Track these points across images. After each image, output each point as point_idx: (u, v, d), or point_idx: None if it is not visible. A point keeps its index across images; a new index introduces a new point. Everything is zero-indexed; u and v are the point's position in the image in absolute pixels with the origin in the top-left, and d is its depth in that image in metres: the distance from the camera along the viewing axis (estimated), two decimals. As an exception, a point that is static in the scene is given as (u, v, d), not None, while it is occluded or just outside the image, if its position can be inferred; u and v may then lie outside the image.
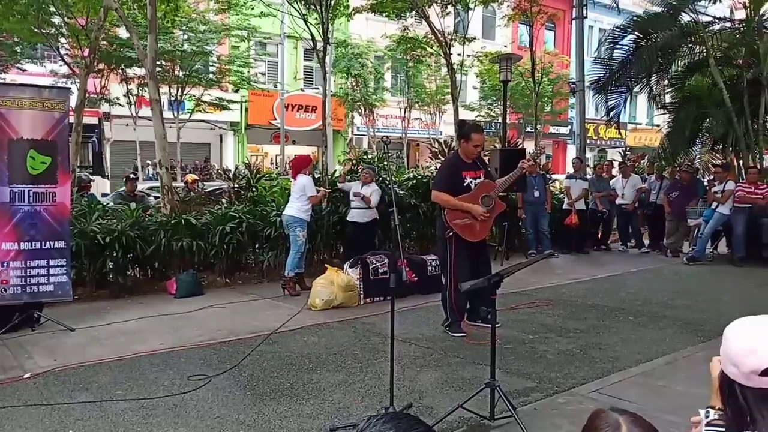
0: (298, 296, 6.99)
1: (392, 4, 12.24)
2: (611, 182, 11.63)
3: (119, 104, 17.62)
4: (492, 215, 5.53)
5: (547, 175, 11.77)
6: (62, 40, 13.56)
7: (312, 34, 10.45)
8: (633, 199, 11.24)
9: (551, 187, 11.54)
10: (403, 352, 4.78)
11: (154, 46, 8.32)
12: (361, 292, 6.78)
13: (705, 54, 11.43)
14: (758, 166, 11.04)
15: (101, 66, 15.21)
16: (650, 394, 3.98)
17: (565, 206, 10.88)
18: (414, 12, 12.67)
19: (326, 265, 7.21)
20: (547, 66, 22.25)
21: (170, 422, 3.58)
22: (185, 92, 17.68)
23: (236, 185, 9.53)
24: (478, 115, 23.75)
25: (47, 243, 5.71)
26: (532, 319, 6.06)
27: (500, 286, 3.59)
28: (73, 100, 7.77)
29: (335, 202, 8.65)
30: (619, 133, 22.17)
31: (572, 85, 16.72)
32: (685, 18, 11.54)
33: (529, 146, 19.06)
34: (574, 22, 16.32)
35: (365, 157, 10.71)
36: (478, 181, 5.44)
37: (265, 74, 22.81)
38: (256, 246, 8.19)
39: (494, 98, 23.29)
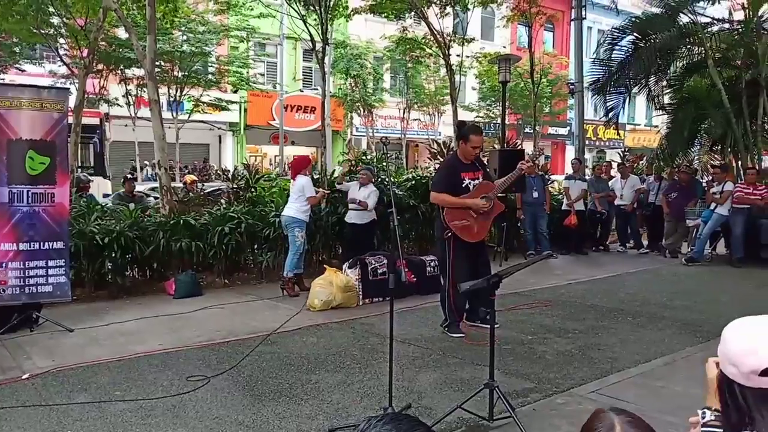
0: (297, 297, 6.99)
1: (391, 5, 12.25)
2: (610, 183, 11.64)
3: (118, 105, 17.61)
4: (491, 216, 5.54)
5: (546, 176, 11.77)
6: (61, 40, 13.57)
7: (311, 35, 10.46)
8: (632, 200, 11.25)
9: (550, 188, 11.55)
10: (402, 352, 4.79)
11: (153, 46, 8.32)
12: (360, 292, 6.78)
13: (704, 55, 11.44)
14: (757, 167, 11.06)
15: (100, 66, 15.22)
16: (649, 394, 3.99)
17: (564, 207, 10.90)
18: (413, 13, 12.69)
19: (325, 265, 7.20)
20: (546, 67, 22.30)
21: (169, 423, 3.58)
22: (184, 93, 17.67)
23: (235, 186, 9.52)
24: (477, 116, 23.77)
25: (46, 243, 5.71)
26: (530, 319, 6.06)
27: (499, 286, 3.60)
28: (72, 101, 7.78)
29: (334, 203, 8.65)
30: (618, 134, 22.18)
31: (571, 86, 16.72)
32: (684, 19, 11.55)
33: (528, 147, 19.10)
34: (573, 23, 16.35)
35: (364, 157, 10.72)
36: (476, 182, 5.44)
37: (264, 75, 22.80)
38: (255, 247, 8.19)
39: (493, 99, 23.30)
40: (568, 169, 16.89)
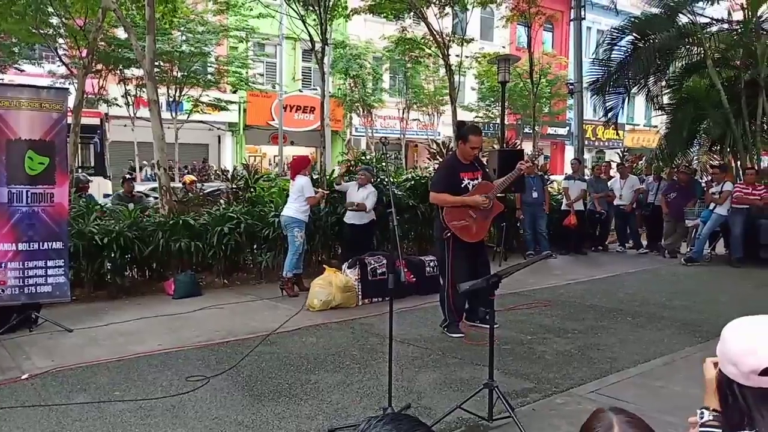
0: (297, 297, 6.99)
1: (390, 5, 12.24)
2: (609, 183, 11.65)
3: (117, 105, 17.60)
4: (490, 216, 5.54)
5: (545, 176, 11.78)
6: (60, 40, 13.57)
7: (310, 35, 10.45)
8: (631, 200, 11.26)
9: (549, 188, 11.56)
10: (401, 352, 4.79)
11: (153, 46, 8.31)
12: (360, 292, 6.78)
13: (703, 55, 11.46)
14: (756, 167, 11.07)
15: (99, 66, 15.21)
16: (648, 394, 3.99)
17: (563, 207, 10.91)
18: (412, 13, 12.67)
19: (324, 265, 7.21)
20: (545, 67, 22.30)
21: (168, 423, 3.58)
22: (183, 93, 17.66)
23: (234, 186, 9.53)
24: (477, 116, 23.77)
25: (45, 244, 5.71)
26: (530, 319, 6.06)
27: (498, 286, 3.60)
28: (71, 101, 7.77)
29: (333, 203, 8.66)
30: (617, 134, 22.15)
31: (570, 86, 16.73)
32: (683, 19, 11.56)
33: (527, 147, 19.11)
34: (572, 23, 16.35)
35: (363, 157, 10.72)
36: (475, 182, 5.44)
37: (263, 75, 22.79)
38: (255, 247, 8.18)
39: (492, 99, 23.31)
40: (568, 170, 16.90)
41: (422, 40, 14.42)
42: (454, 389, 4.10)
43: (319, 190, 7.79)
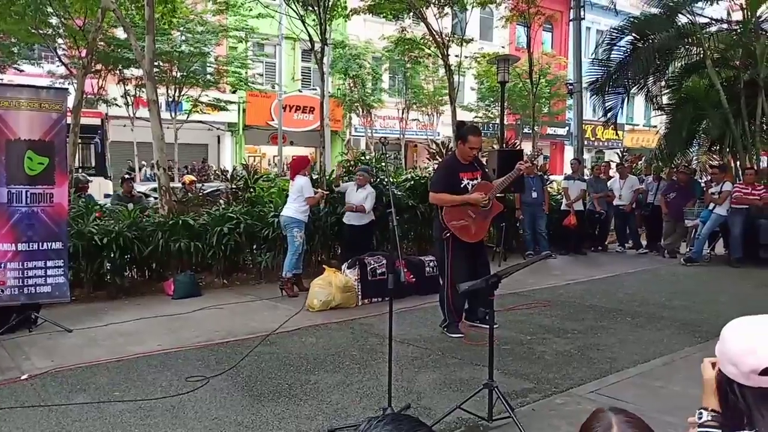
0: (296, 297, 6.99)
1: (390, 5, 12.24)
2: (609, 183, 11.65)
3: (117, 105, 17.61)
4: (489, 216, 5.54)
5: (545, 176, 11.78)
6: (60, 40, 13.57)
7: (310, 35, 10.45)
8: (630, 200, 11.26)
9: (549, 188, 11.56)
10: (401, 353, 4.78)
11: (152, 47, 8.31)
12: (359, 293, 6.78)
13: (702, 55, 11.46)
14: (755, 167, 11.08)
15: (99, 67, 15.21)
16: (648, 394, 3.99)
17: (563, 207, 10.91)
18: (411, 13, 12.67)
19: (324, 266, 7.21)
20: (544, 67, 22.31)
21: (168, 423, 3.58)
22: (183, 93, 17.67)
23: (234, 186, 9.53)
24: (476, 116, 23.77)
25: (45, 244, 5.70)
26: (530, 320, 6.06)
27: (498, 287, 3.60)
28: (70, 101, 7.77)
29: (333, 203, 8.66)
30: (617, 134, 22.14)
31: (570, 87, 16.74)
32: (682, 19, 11.57)
33: (527, 147, 19.11)
34: (571, 23, 16.36)
35: (363, 158, 10.72)
36: (475, 182, 5.44)
37: (262, 75, 22.80)
38: (254, 247, 8.18)
39: (492, 99, 23.32)
40: (567, 170, 16.89)
41: (422, 41, 14.43)
42: (454, 389, 4.10)
43: (319, 190, 7.79)
